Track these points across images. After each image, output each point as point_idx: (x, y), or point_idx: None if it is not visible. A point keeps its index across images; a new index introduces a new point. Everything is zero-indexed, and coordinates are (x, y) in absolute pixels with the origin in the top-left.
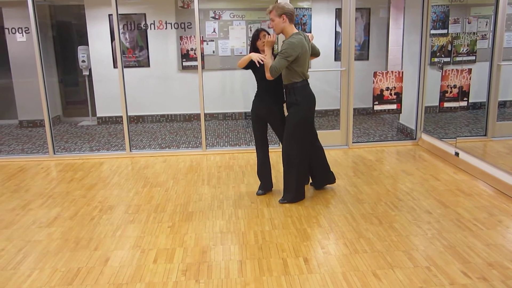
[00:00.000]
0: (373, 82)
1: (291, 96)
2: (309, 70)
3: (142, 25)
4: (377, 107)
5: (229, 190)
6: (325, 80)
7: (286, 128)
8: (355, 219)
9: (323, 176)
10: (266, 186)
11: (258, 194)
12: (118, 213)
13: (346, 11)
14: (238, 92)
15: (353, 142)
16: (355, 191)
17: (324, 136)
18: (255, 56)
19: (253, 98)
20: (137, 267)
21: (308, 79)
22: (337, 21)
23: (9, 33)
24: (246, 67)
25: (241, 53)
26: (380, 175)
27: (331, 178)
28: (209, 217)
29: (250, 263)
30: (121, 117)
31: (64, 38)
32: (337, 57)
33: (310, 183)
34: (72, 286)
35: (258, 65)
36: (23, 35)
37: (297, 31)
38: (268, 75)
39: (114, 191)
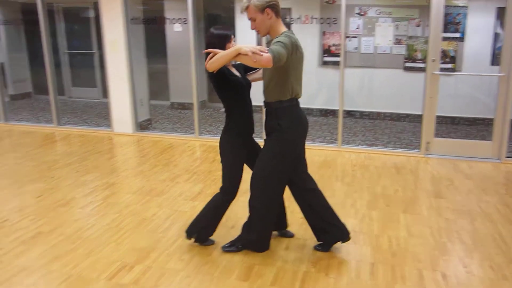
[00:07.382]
0: None
1: (275, 119)
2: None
3: (287, 19)
4: None
5: (363, 190)
6: (475, 85)
7: (258, 162)
8: (506, 242)
9: (331, 234)
10: (278, 225)
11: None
12: None
13: None
14: (377, 91)
15: (506, 157)
16: (507, 211)
17: (472, 146)
18: (248, 49)
19: (228, 127)
20: (270, 251)
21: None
22: (498, 22)
23: (169, 23)
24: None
25: (384, 51)
26: None
27: (342, 234)
28: (341, 215)
29: (383, 268)
30: (260, 106)
31: None
32: (495, 61)
33: (317, 246)
34: (211, 257)
35: (255, 61)
36: (180, 25)
37: (287, 29)
38: (266, 58)
39: None
